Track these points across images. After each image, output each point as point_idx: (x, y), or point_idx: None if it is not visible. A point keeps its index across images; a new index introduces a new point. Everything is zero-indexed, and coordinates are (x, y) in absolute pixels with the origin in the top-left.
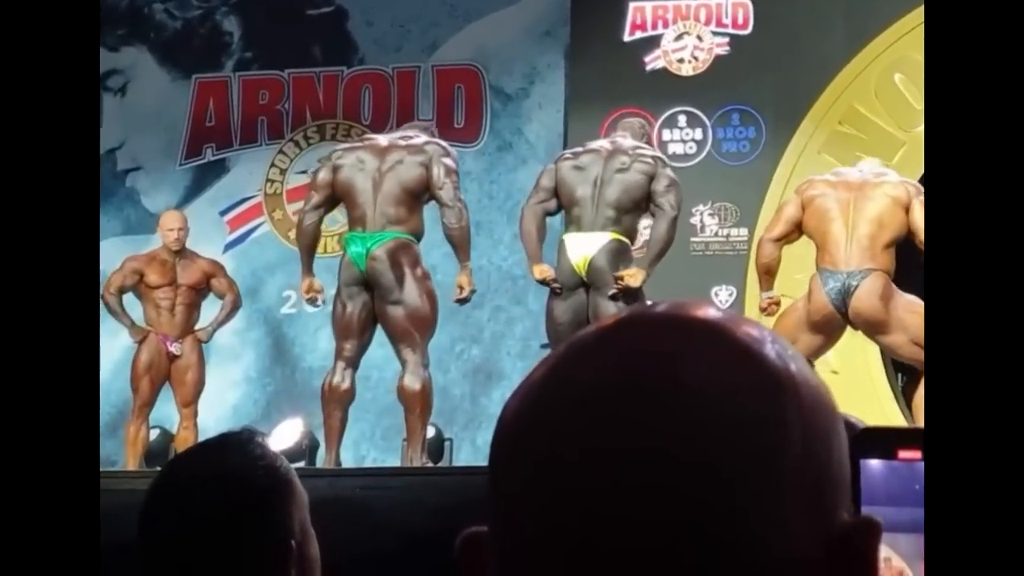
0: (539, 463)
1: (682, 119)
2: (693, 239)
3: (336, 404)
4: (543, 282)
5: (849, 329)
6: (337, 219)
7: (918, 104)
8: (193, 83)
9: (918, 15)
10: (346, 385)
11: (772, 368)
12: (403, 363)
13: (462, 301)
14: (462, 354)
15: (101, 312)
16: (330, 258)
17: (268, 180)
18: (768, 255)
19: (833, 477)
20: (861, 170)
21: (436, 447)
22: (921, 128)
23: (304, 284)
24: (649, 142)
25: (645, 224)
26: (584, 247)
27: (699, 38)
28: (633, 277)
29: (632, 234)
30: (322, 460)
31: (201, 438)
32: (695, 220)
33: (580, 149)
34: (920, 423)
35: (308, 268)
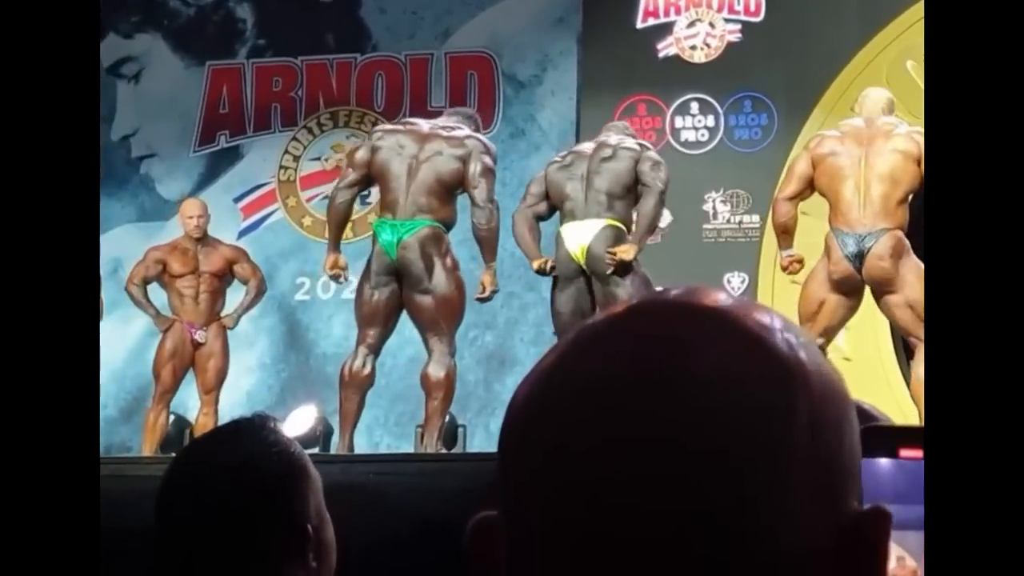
0: (548, 452)
1: (694, 106)
2: (705, 226)
3: (355, 389)
4: (541, 271)
5: (859, 316)
6: (356, 209)
7: None
8: (207, 70)
9: None
10: (367, 371)
11: (782, 356)
12: (429, 352)
13: (484, 300)
14: (476, 340)
15: (114, 300)
16: (345, 243)
17: (282, 167)
18: (784, 214)
19: (844, 466)
20: (869, 119)
21: (450, 433)
22: None
23: (329, 260)
24: (635, 138)
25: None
26: (580, 235)
27: (711, 25)
28: (626, 252)
29: (627, 221)
30: (336, 445)
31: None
32: (707, 207)
33: (565, 152)
34: (916, 405)
35: (335, 244)
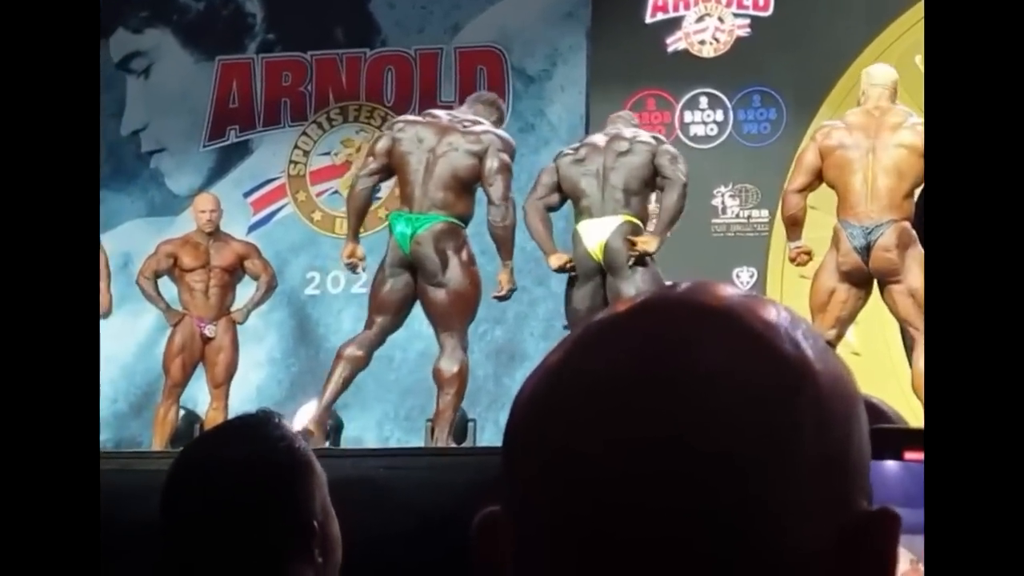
0: (553, 449)
1: (703, 101)
2: (714, 221)
3: (348, 364)
4: (561, 269)
5: (868, 310)
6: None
7: None
8: (216, 65)
9: None
10: (361, 353)
11: (788, 354)
12: (441, 346)
13: (501, 298)
14: (485, 335)
15: (124, 295)
16: (342, 239)
17: (291, 162)
18: (794, 206)
19: (852, 465)
20: (876, 109)
21: (460, 427)
22: None
23: (347, 249)
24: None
25: (654, 209)
26: (598, 232)
27: (720, 20)
28: (647, 243)
29: (643, 216)
30: (346, 441)
31: None
32: (716, 202)
33: (577, 144)
34: (917, 398)
35: (354, 233)
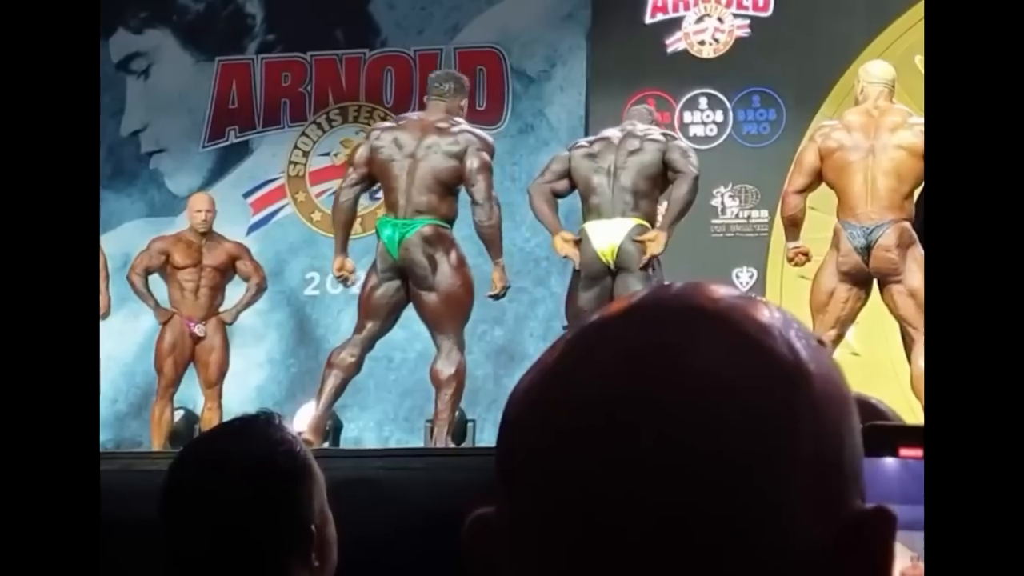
0: (546, 450)
1: (703, 101)
2: (714, 221)
3: (340, 371)
4: (570, 242)
5: (868, 311)
6: (363, 204)
7: None
8: (216, 65)
9: None
10: (352, 360)
11: (782, 355)
12: (438, 348)
13: (496, 297)
14: (485, 335)
15: (123, 296)
16: (356, 239)
17: (291, 162)
18: (793, 206)
19: (845, 465)
20: (875, 108)
21: (459, 428)
22: None
23: (336, 263)
24: (658, 125)
25: (663, 210)
26: (609, 235)
27: (720, 20)
28: (655, 242)
29: (652, 219)
30: (345, 441)
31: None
32: (716, 202)
33: (593, 138)
34: (917, 398)
35: (342, 246)
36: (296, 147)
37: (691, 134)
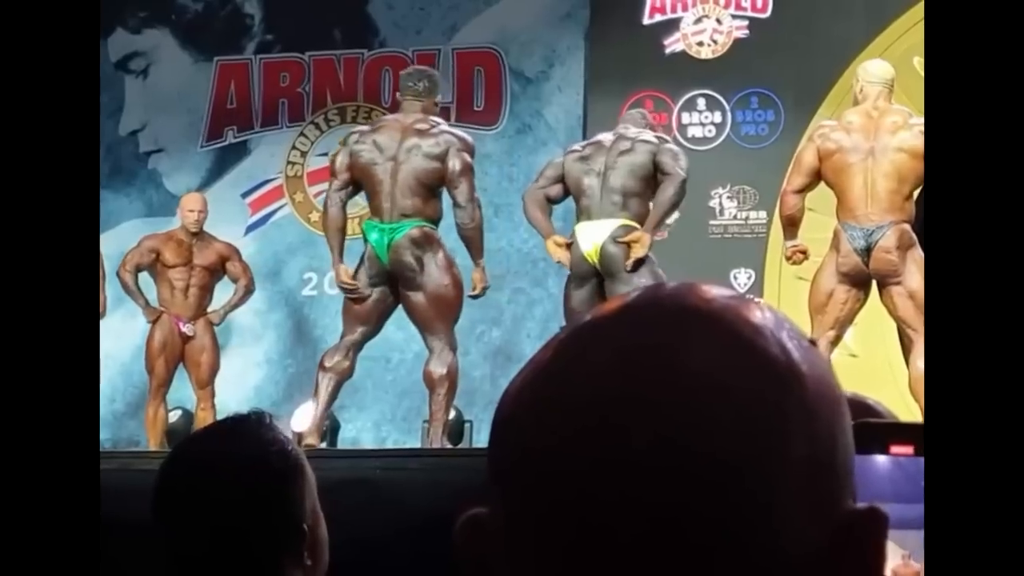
0: (539, 450)
1: (701, 102)
2: (712, 222)
3: (334, 376)
4: (560, 246)
5: (866, 313)
6: (357, 202)
7: None
8: (215, 65)
9: None
10: (347, 364)
11: (774, 356)
12: (430, 349)
13: (476, 297)
14: (482, 336)
15: (120, 296)
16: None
17: (289, 162)
18: (792, 206)
19: (837, 465)
20: (874, 109)
21: (456, 429)
22: None
23: (338, 272)
24: (653, 129)
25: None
26: (594, 235)
27: (718, 21)
28: (639, 243)
29: (642, 219)
30: (343, 442)
31: None
32: (714, 203)
33: (585, 142)
34: (916, 401)
35: (340, 254)
36: (294, 147)
37: (689, 135)
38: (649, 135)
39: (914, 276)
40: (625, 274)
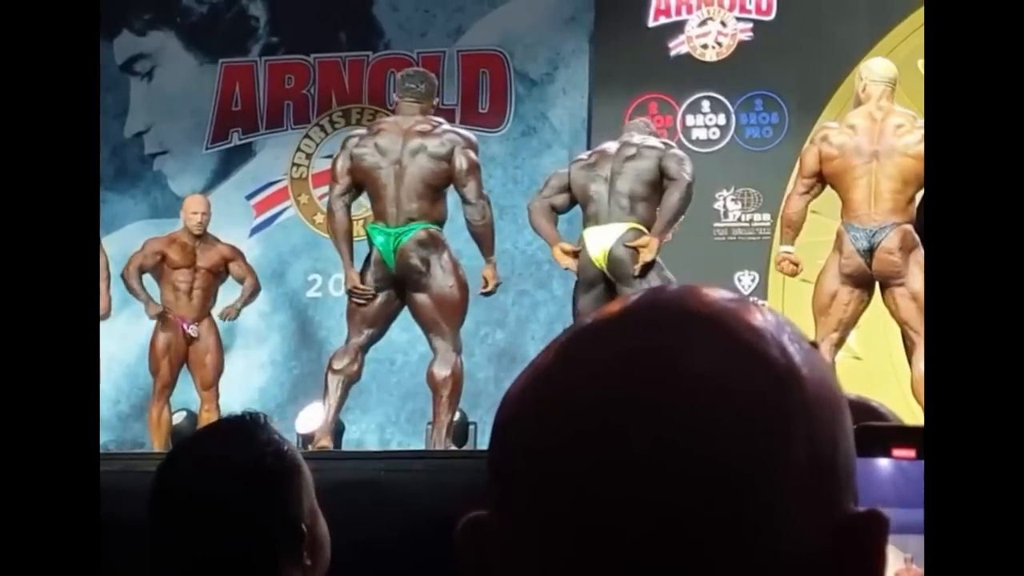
0: (540, 452)
1: (705, 104)
2: (716, 224)
3: (344, 378)
4: (567, 253)
5: (869, 315)
6: (361, 203)
7: None
8: (220, 67)
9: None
10: (355, 367)
11: (775, 358)
12: (434, 350)
13: (487, 294)
14: (487, 338)
15: (126, 297)
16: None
17: (294, 164)
18: (794, 209)
19: (838, 467)
20: (878, 111)
21: (461, 431)
22: None
23: (349, 279)
24: (656, 137)
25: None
26: (602, 240)
27: (723, 24)
28: (648, 248)
29: (649, 223)
30: (347, 443)
31: None
32: (718, 205)
33: (590, 152)
34: (918, 403)
35: (350, 259)
36: (299, 149)
37: (694, 137)
38: (655, 141)
39: (916, 278)
40: (633, 278)
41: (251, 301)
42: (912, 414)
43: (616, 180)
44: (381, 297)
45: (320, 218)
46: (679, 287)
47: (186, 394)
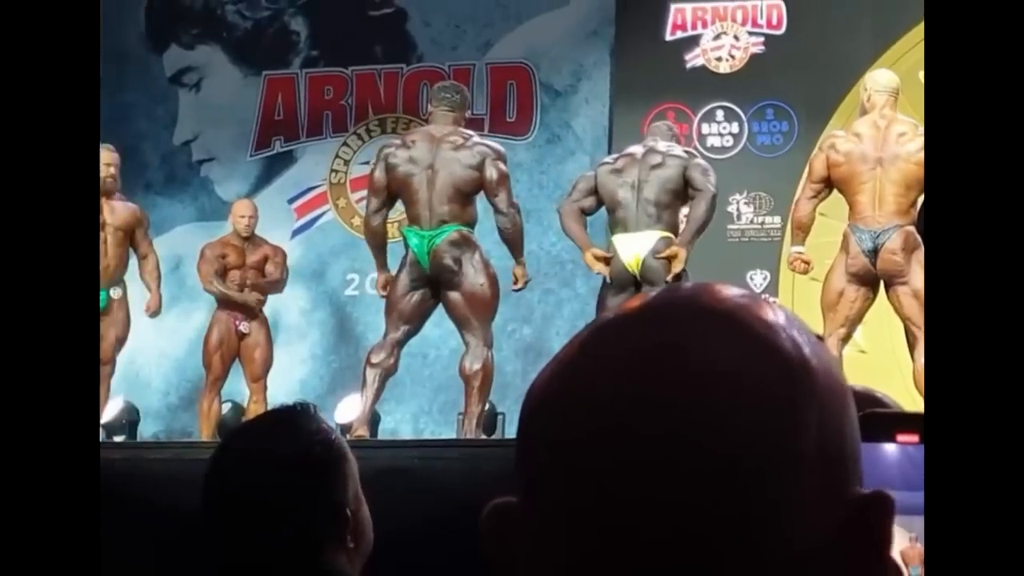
0: (561, 444)
1: (720, 114)
2: (730, 226)
3: (381, 371)
4: (600, 259)
5: (874, 311)
6: (397, 207)
7: None
8: (263, 79)
9: None
10: (392, 361)
11: (788, 352)
12: (466, 344)
13: (518, 290)
14: (514, 334)
15: (175, 295)
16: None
17: (332, 170)
18: (803, 212)
19: (847, 455)
20: (882, 120)
21: (489, 420)
22: None
23: (380, 280)
24: (678, 141)
25: (683, 214)
26: (634, 247)
27: (736, 37)
28: (677, 260)
29: (675, 229)
30: (383, 433)
31: None
32: (732, 208)
33: (616, 155)
34: (919, 394)
35: (384, 263)
36: (337, 156)
37: (708, 144)
38: (679, 150)
39: (918, 276)
40: (665, 284)
41: (271, 289)
42: (914, 404)
43: (643, 188)
44: (416, 295)
45: (357, 221)
46: (694, 285)
47: (230, 386)
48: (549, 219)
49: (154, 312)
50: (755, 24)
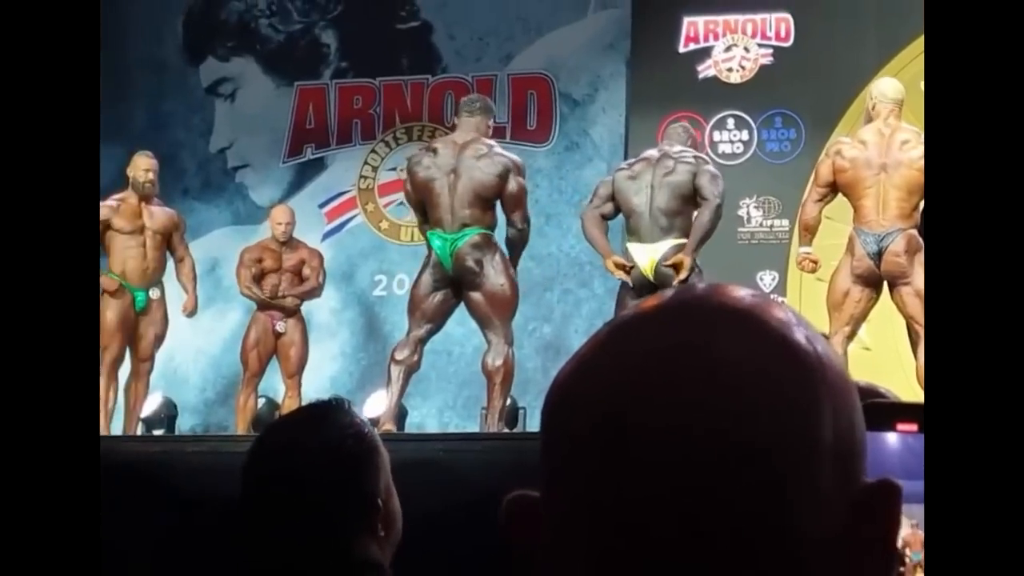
0: (581, 438)
1: (731, 122)
2: (740, 229)
3: (405, 367)
4: (620, 267)
5: (878, 310)
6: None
7: None
8: (295, 90)
9: None
10: (415, 358)
11: (804, 349)
12: (488, 342)
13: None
14: (534, 332)
15: (211, 296)
16: (406, 246)
17: (361, 176)
18: (810, 215)
19: (855, 448)
20: (886, 128)
21: (511, 415)
22: None
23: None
24: (694, 143)
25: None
26: (647, 256)
27: (746, 49)
28: (683, 267)
29: (686, 232)
30: (409, 426)
31: None
32: (742, 212)
33: (633, 160)
34: (921, 388)
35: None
36: (366, 163)
37: (720, 151)
38: (690, 155)
39: (921, 277)
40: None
41: (309, 295)
42: (916, 399)
43: (656, 195)
44: (439, 295)
45: (386, 224)
46: (707, 285)
47: (266, 381)
48: (568, 223)
49: (191, 312)
50: (764, 36)
